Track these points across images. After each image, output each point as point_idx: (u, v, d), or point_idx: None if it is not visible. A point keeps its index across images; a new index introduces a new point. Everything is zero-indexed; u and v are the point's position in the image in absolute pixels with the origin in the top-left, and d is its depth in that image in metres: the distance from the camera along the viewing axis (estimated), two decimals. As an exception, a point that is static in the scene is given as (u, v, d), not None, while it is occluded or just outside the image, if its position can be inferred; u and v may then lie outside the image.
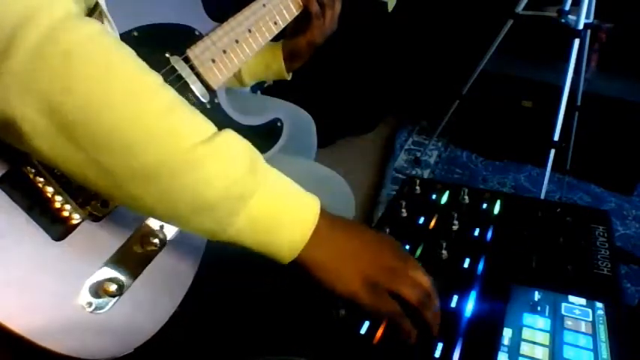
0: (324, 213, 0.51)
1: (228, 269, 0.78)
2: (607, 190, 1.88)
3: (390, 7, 0.93)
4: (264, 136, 0.71)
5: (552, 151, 1.52)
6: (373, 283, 0.51)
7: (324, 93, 1.95)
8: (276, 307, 0.92)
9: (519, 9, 1.63)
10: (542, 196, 1.57)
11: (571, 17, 1.49)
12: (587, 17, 1.49)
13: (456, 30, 2.48)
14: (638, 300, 1.23)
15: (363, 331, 0.57)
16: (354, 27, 1.93)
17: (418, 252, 0.71)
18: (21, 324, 0.42)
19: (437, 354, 0.54)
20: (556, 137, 1.52)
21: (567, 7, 1.50)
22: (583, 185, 1.91)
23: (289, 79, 0.89)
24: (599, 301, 0.61)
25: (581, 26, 1.47)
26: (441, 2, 2.45)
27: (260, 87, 1.78)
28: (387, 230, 0.74)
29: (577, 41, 1.47)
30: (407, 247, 0.72)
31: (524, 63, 2.10)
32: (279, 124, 0.73)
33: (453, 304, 0.61)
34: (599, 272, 0.67)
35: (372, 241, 0.54)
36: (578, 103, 1.75)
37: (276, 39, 0.83)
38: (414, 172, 1.98)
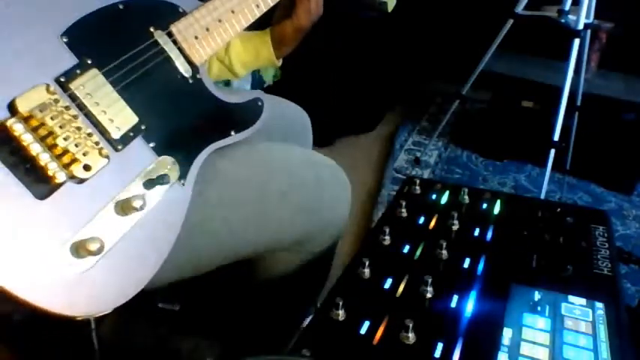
0: None
1: (230, 270, 0.78)
2: (607, 190, 1.88)
3: (390, 8, 0.93)
4: (245, 114, 0.74)
5: (552, 151, 1.52)
6: None
7: (324, 93, 1.95)
8: (276, 307, 0.92)
9: (519, 9, 1.63)
10: (542, 196, 1.57)
11: (571, 17, 1.49)
12: (587, 17, 1.49)
13: (456, 30, 2.49)
14: (638, 300, 1.23)
15: (363, 331, 0.57)
16: (353, 27, 1.93)
17: (418, 252, 0.71)
18: (2, 278, 0.44)
19: (437, 354, 0.54)
20: (556, 137, 1.52)
21: (567, 7, 1.50)
22: (583, 185, 1.91)
23: (279, 65, 0.90)
24: (599, 301, 0.61)
25: (581, 26, 1.47)
26: (441, 2, 2.45)
27: (260, 87, 1.79)
28: (387, 230, 0.74)
29: (577, 41, 1.47)
30: (407, 247, 0.72)
31: (524, 63, 2.10)
32: (259, 103, 0.75)
33: (453, 304, 0.61)
34: (599, 272, 0.67)
35: None
36: (578, 103, 1.75)
37: (264, 26, 0.83)
38: (414, 172, 1.98)
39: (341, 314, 0.59)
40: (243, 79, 1.62)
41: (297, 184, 0.77)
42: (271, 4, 0.77)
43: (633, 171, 1.84)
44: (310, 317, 0.67)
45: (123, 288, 0.55)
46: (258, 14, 0.76)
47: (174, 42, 0.65)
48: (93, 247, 0.50)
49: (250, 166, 0.75)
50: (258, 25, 0.82)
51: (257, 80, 1.74)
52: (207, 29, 0.69)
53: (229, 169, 0.72)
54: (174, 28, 0.65)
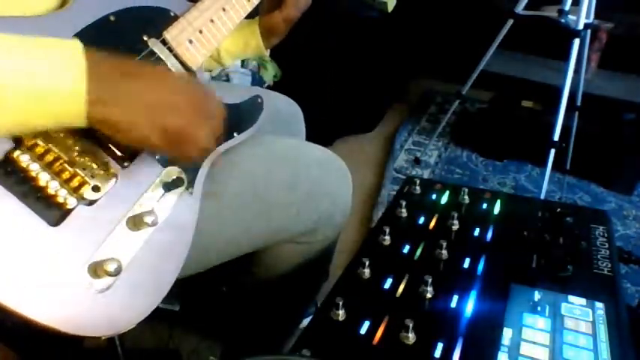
0: (98, 59, 0.45)
1: (229, 270, 0.79)
2: (607, 190, 1.88)
3: (390, 8, 0.93)
4: (245, 113, 0.74)
5: (552, 151, 1.52)
6: (170, 137, 0.51)
7: (324, 93, 1.95)
8: (277, 305, 0.92)
9: (519, 9, 1.63)
10: (542, 196, 1.57)
11: (571, 17, 1.49)
12: (587, 17, 1.49)
13: (457, 30, 2.49)
14: (638, 300, 1.23)
15: (363, 331, 0.57)
16: (353, 26, 1.93)
17: (418, 252, 0.71)
18: (26, 308, 0.45)
19: (437, 354, 0.54)
20: (556, 137, 1.52)
21: (567, 7, 1.50)
22: (583, 185, 1.91)
23: (267, 55, 0.90)
24: (599, 301, 0.61)
25: (581, 26, 1.47)
26: (441, 2, 2.45)
27: (259, 87, 1.79)
28: (387, 230, 0.74)
29: (577, 41, 1.47)
30: (407, 247, 0.73)
31: (524, 63, 2.11)
32: (259, 100, 0.75)
33: (453, 304, 0.61)
34: (599, 272, 0.67)
35: (172, 92, 0.52)
36: (578, 103, 1.75)
37: (251, 15, 0.84)
38: (414, 172, 1.98)
39: (341, 314, 0.59)
40: (243, 79, 1.62)
41: (301, 173, 0.78)
42: None
43: (633, 171, 1.84)
44: (310, 317, 0.67)
45: (144, 302, 0.56)
46: (249, 9, 0.75)
47: (170, 49, 0.64)
48: (111, 267, 0.50)
49: (253, 160, 0.75)
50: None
51: (257, 80, 1.75)
52: (201, 31, 0.68)
53: (233, 165, 0.72)
54: (167, 35, 0.64)
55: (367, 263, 0.66)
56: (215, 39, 0.70)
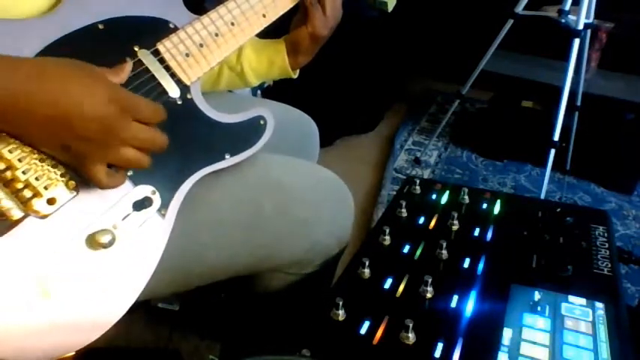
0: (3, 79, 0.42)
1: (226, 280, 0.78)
2: (607, 190, 1.88)
3: (390, 7, 0.93)
4: (243, 135, 0.67)
5: (552, 151, 1.52)
6: (77, 155, 0.48)
7: (324, 93, 1.95)
8: (276, 307, 0.92)
9: (519, 9, 1.63)
10: (542, 196, 1.57)
11: (571, 17, 1.49)
12: (587, 17, 1.49)
13: (457, 30, 2.49)
14: (638, 300, 1.23)
15: (363, 331, 0.57)
16: (353, 27, 1.93)
17: (418, 252, 0.72)
18: None
19: (437, 354, 0.54)
20: (556, 137, 1.52)
21: (567, 7, 1.50)
22: (583, 185, 1.91)
23: (295, 76, 0.84)
24: (599, 301, 0.61)
25: (581, 26, 1.47)
26: (441, 2, 2.45)
27: (260, 87, 1.78)
28: (387, 230, 0.74)
29: (577, 41, 1.47)
30: (407, 247, 0.73)
31: (524, 63, 2.11)
32: (261, 122, 0.69)
33: (453, 304, 0.61)
34: (599, 272, 0.67)
35: (72, 104, 0.45)
36: (578, 103, 1.76)
37: (281, 33, 0.80)
38: (414, 172, 1.98)
39: (341, 314, 0.59)
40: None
41: (295, 198, 0.73)
42: (280, 13, 0.72)
43: (633, 171, 1.84)
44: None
45: (87, 328, 0.52)
46: (264, 24, 0.70)
47: (161, 61, 0.60)
48: (57, 285, 0.48)
49: (244, 182, 0.70)
50: (275, 33, 0.78)
51: (257, 80, 1.74)
52: (202, 45, 0.63)
53: (220, 187, 0.67)
54: (160, 46, 0.60)
55: (367, 263, 0.66)
56: (218, 54, 0.65)
